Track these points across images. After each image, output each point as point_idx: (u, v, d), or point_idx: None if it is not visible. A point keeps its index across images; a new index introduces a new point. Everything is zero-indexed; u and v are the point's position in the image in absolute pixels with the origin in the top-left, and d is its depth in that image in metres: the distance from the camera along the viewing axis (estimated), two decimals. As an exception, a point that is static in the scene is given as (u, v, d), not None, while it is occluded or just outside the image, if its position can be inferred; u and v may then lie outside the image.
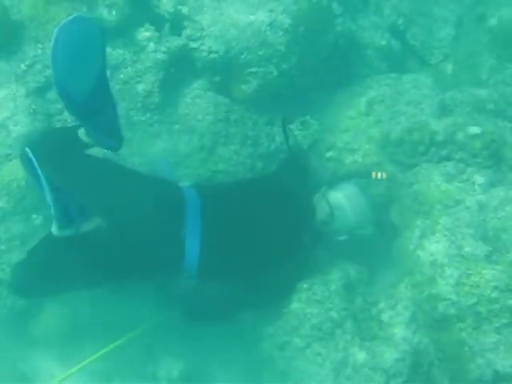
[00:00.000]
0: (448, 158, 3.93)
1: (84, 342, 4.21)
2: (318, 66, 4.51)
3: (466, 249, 3.36)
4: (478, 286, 3.26)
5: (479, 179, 3.76)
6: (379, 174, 4.02)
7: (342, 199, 3.93)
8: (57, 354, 4.35)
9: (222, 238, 3.62)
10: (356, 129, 4.32)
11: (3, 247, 4.01)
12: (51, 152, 3.40)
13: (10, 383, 4.32)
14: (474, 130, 3.89)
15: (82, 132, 3.43)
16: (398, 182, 4.10)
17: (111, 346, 3.95)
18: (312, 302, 3.62)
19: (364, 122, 4.32)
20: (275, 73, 4.20)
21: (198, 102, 4.23)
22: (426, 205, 3.75)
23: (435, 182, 3.77)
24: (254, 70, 4.19)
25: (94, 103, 3.18)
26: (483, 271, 3.30)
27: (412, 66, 5.18)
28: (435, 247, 3.44)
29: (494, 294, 3.23)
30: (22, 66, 4.13)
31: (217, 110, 4.20)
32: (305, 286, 3.69)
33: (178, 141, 4.16)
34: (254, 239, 3.72)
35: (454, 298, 3.26)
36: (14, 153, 3.95)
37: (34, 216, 4.00)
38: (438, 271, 3.37)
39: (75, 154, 3.48)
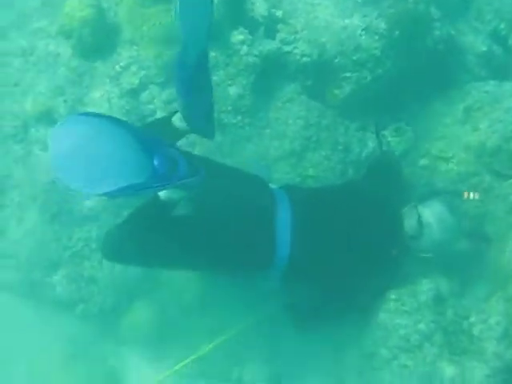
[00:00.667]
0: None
1: (172, 342, 4.39)
2: (415, 72, 4.43)
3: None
4: None
5: None
6: (471, 195, 3.94)
7: (430, 217, 3.89)
8: (145, 353, 4.49)
9: (311, 241, 3.65)
10: (451, 136, 4.25)
11: (93, 245, 4.27)
12: None
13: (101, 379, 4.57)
14: None
15: (177, 117, 3.56)
16: (494, 192, 4.09)
17: (203, 350, 4.17)
18: (400, 312, 3.62)
19: (460, 129, 4.24)
20: (369, 78, 4.21)
21: (288, 106, 4.28)
22: (521, 217, 3.72)
23: (531, 193, 3.74)
24: (347, 74, 4.22)
25: (198, 75, 3.23)
26: None
27: (514, 73, 5.18)
28: (529, 261, 3.39)
29: None
30: (117, 67, 4.31)
31: (308, 115, 4.24)
32: (393, 296, 3.70)
33: (269, 145, 4.23)
34: (341, 245, 3.75)
35: (546, 314, 3.25)
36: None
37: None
38: (531, 285, 3.36)
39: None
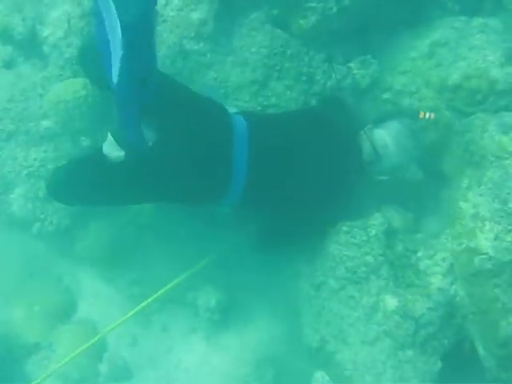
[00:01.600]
0: (507, 109, 3.85)
1: (125, 264, 4.53)
2: (384, 4, 4.34)
3: (510, 204, 3.35)
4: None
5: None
6: (427, 115, 3.96)
7: (387, 137, 3.97)
8: (99, 273, 4.63)
9: (267, 165, 3.70)
10: (416, 71, 4.22)
11: (50, 166, 4.26)
12: None
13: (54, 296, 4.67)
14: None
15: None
16: (453, 129, 4.09)
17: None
18: (350, 245, 3.71)
19: (425, 64, 4.21)
20: (335, 9, 4.11)
21: (253, 34, 4.23)
22: (477, 155, 3.70)
23: (489, 132, 3.67)
24: (312, 4, 4.11)
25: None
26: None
27: (488, 9, 5.02)
28: (479, 200, 3.41)
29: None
30: (78, -15, 4.34)
31: (272, 44, 4.19)
32: (344, 228, 3.78)
33: (230, 72, 4.19)
34: (298, 170, 3.79)
35: (491, 253, 3.25)
36: (65, 74, 4.15)
37: (83, 138, 4.20)
38: (478, 224, 3.36)
39: None
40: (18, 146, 4.36)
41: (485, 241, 3.27)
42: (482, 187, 3.46)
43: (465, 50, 4.02)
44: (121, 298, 4.61)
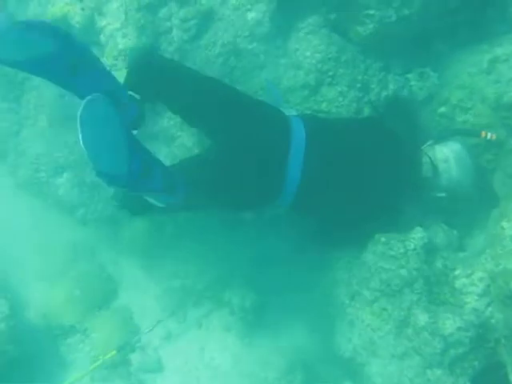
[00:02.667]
0: None
1: (166, 257, 4.63)
2: (447, 15, 4.23)
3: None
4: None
5: None
6: (489, 135, 3.91)
7: (449, 153, 3.96)
8: (140, 264, 4.74)
9: (323, 171, 3.70)
10: (473, 86, 4.14)
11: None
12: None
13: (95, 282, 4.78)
14: None
15: None
16: (506, 148, 4.03)
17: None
18: (386, 256, 3.66)
19: (483, 80, 4.12)
20: (394, 17, 4.06)
21: (309, 37, 4.24)
22: (529, 177, 3.67)
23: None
24: (371, 12, 4.09)
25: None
26: None
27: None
28: (521, 221, 3.37)
29: None
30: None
31: (328, 49, 4.18)
32: (382, 239, 3.73)
33: (283, 75, 4.21)
34: (354, 178, 3.77)
35: (528, 276, 3.26)
36: (119, 64, 4.21)
37: (131, 130, 4.30)
38: (517, 246, 3.36)
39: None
40: (69, 131, 4.52)
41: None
42: (528, 209, 3.44)
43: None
44: (159, 290, 4.70)
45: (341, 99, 4.18)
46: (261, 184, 3.61)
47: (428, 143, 4.05)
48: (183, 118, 3.94)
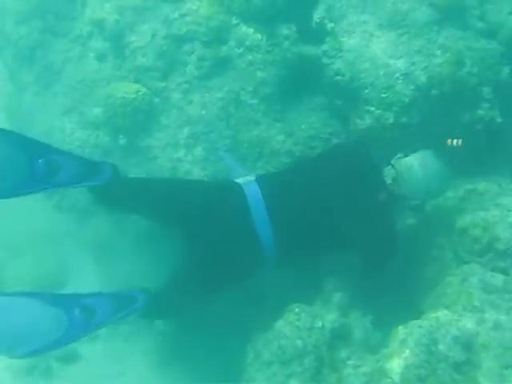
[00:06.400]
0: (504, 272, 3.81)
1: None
2: (443, 135, 4.24)
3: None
4: None
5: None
6: (455, 141, 4.01)
7: (413, 161, 4.03)
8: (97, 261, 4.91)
9: (293, 218, 3.83)
10: (445, 209, 4.26)
11: (87, 150, 4.65)
12: None
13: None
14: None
15: None
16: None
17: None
18: (292, 326, 3.71)
19: (453, 203, 4.24)
20: (391, 120, 4.35)
21: (310, 114, 4.50)
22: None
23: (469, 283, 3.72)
24: (371, 108, 4.39)
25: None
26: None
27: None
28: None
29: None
30: (176, 12, 4.58)
31: (322, 129, 4.43)
32: (296, 310, 3.78)
33: (273, 137, 4.39)
34: (324, 211, 3.87)
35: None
36: (129, 77, 4.55)
37: (121, 136, 4.54)
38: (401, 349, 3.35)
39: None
40: (70, 121, 4.85)
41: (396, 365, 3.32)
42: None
43: (492, 205, 4.07)
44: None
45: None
46: (242, 263, 3.80)
47: (397, 156, 4.11)
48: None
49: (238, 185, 3.94)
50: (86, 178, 3.57)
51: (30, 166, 3.30)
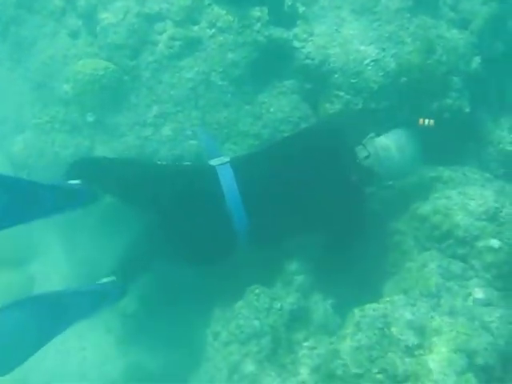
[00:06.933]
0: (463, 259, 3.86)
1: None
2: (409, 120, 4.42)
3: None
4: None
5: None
6: (426, 121, 4.06)
7: (387, 141, 4.11)
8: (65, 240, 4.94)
9: (266, 200, 3.89)
10: (407, 193, 4.32)
11: (56, 126, 4.68)
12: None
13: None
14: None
15: None
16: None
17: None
18: (251, 306, 3.80)
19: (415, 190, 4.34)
20: (359, 105, 4.39)
21: (280, 97, 4.50)
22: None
23: (429, 268, 3.76)
24: (340, 93, 4.41)
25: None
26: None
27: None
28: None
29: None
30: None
31: (291, 112, 4.45)
32: (256, 291, 3.85)
33: (242, 119, 4.45)
34: (297, 192, 3.93)
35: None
36: (100, 55, 4.54)
37: (89, 114, 4.55)
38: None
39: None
40: (40, 98, 4.86)
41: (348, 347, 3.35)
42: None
43: (454, 193, 4.08)
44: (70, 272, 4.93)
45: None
46: (214, 242, 3.86)
47: (369, 136, 4.17)
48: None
49: (212, 167, 3.98)
50: (73, 201, 3.71)
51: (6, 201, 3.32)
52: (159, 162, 4.34)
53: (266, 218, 3.86)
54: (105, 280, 3.82)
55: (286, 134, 4.43)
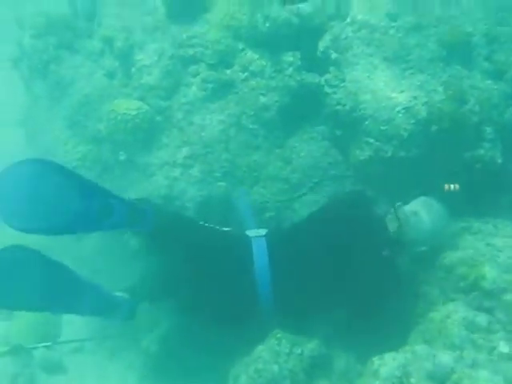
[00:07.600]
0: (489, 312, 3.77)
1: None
2: (441, 170, 4.41)
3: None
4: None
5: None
6: (452, 186, 4.09)
7: (417, 207, 4.08)
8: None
9: (295, 276, 3.88)
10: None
11: (87, 164, 4.76)
12: None
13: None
14: None
15: None
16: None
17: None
18: (272, 350, 3.76)
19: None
20: (389, 153, 4.35)
21: (310, 142, 4.56)
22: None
23: (452, 319, 3.68)
24: (370, 140, 4.40)
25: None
26: None
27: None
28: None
29: None
30: (184, 34, 4.71)
31: (321, 158, 4.50)
32: (278, 335, 3.83)
33: (271, 163, 4.49)
34: (328, 269, 3.88)
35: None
36: (133, 95, 4.65)
37: (121, 152, 4.64)
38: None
39: None
40: (74, 135, 4.96)
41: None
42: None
43: (483, 244, 4.03)
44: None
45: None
46: (235, 307, 3.88)
47: (397, 205, 4.11)
48: None
49: (248, 238, 4.04)
50: (133, 224, 3.72)
51: (85, 207, 3.44)
52: (201, 223, 4.25)
53: (293, 293, 3.86)
54: (119, 294, 3.90)
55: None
